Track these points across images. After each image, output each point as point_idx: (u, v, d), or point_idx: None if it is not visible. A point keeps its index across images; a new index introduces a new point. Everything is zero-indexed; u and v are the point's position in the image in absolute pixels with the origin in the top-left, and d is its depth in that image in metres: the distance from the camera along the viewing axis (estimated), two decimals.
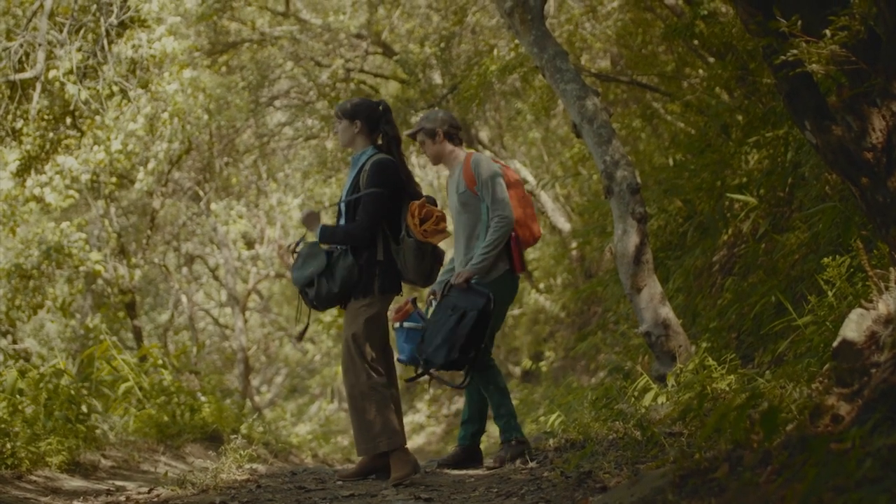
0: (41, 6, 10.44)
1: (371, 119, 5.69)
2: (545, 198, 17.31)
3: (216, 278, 23.99)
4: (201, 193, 17.82)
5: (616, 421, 5.95)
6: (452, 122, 6.05)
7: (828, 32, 3.81)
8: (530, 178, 17.77)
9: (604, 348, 12.08)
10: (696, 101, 11.31)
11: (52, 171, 11.38)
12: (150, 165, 12.72)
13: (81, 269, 13.02)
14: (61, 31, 10.69)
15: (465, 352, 5.49)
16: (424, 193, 5.57)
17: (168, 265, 20.34)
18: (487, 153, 6.22)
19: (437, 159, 6.09)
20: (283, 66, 16.31)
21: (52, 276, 13.48)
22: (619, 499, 3.54)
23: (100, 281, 15.88)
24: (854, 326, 3.80)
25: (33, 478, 6.17)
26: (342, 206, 5.62)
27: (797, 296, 6.88)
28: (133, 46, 11.13)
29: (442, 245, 5.92)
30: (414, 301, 6.25)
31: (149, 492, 5.50)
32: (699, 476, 3.16)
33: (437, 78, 14.59)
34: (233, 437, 6.72)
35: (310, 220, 5.61)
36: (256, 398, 23.87)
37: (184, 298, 22.27)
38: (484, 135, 17.63)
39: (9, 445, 6.26)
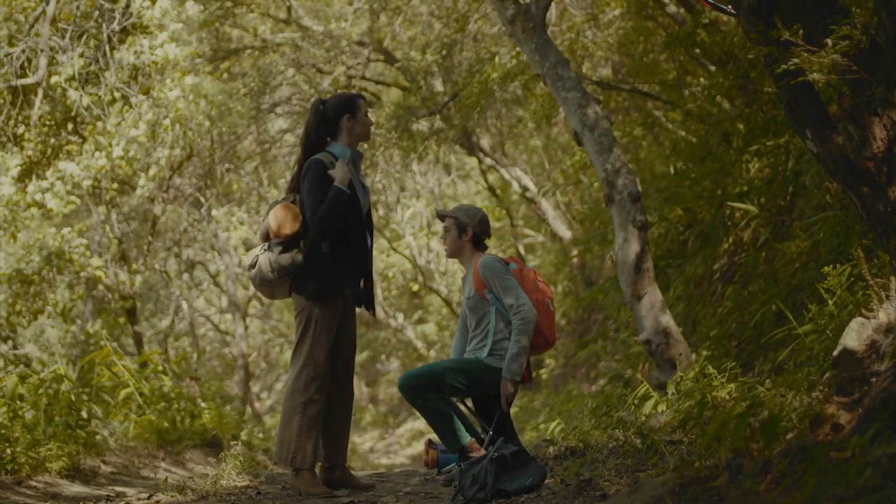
0: (43, 12, 10.46)
1: None
2: (546, 205, 17.31)
3: (217, 284, 24.01)
4: (202, 200, 17.83)
5: (616, 429, 5.94)
6: (486, 227, 5.90)
7: (829, 41, 3.81)
8: (531, 186, 17.78)
9: (604, 356, 12.08)
10: (698, 110, 11.33)
11: (53, 176, 11.38)
12: (152, 171, 12.72)
13: (82, 274, 13.03)
14: (63, 37, 10.71)
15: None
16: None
17: (169, 271, 20.35)
18: (493, 253, 6.03)
19: (453, 253, 5.94)
20: (284, 73, 16.32)
21: (53, 282, 13.47)
22: None
23: (100, 287, 15.88)
24: (854, 335, 3.80)
25: (33, 483, 6.16)
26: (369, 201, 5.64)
27: (798, 304, 6.88)
28: (135, 53, 11.14)
29: None
30: (430, 441, 6.27)
31: (149, 498, 5.49)
32: (699, 484, 3.16)
33: (438, 85, 14.61)
34: (233, 443, 6.73)
35: None
36: (256, 404, 23.87)
37: (184, 304, 22.27)
38: (485, 142, 17.64)
39: (9, 451, 6.26)
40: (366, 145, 14.68)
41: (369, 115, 5.59)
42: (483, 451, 5.50)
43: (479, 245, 5.86)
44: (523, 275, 5.77)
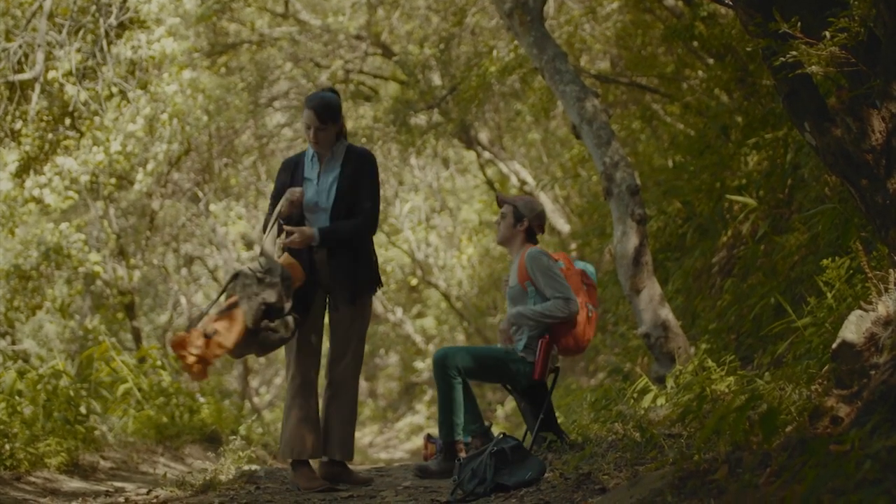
0: (40, 7, 10.44)
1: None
2: (544, 199, 17.30)
3: (215, 279, 23.98)
4: (200, 194, 17.81)
5: (615, 422, 5.94)
6: (542, 222, 5.94)
7: (827, 34, 3.81)
8: (530, 180, 17.76)
9: (603, 350, 12.08)
10: (696, 103, 11.32)
11: (51, 172, 11.37)
12: (150, 166, 12.71)
13: (80, 270, 13.01)
14: (60, 32, 10.68)
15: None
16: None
17: (167, 266, 20.33)
18: (539, 247, 6.13)
19: (504, 240, 5.95)
20: (282, 68, 16.29)
21: (51, 277, 13.47)
22: (619, 500, 3.54)
23: (99, 282, 15.86)
24: (853, 328, 3.80)
25: (32, 479, 6.16)
26: (333, 201, 5.43)
27: (796, 297, 6.88)
28: (132, 47, 11.12)
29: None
30: (429, 436, 6.31)
31: (147, 493, 5.49)
32: (698, 478, 3.16)
33: (436, 79, 14.59)
34: (231, 438, 6.71)
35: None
36: (255, 399, 23.88)
37: (183, 300, 22.25)
38: (483, 136, 17.61)
39: (8, 446, 6.26)
40: (364, 139, 14.67)
41: (312, 129, 5.32)
42: (464, 454, 5.54)
43: (531, 238, 5.92)
44: (569, 275, 5.78)
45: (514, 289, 5.82)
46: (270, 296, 5.07)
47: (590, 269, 6.03)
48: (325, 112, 5.35)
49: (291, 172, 5.51)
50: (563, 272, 5.76)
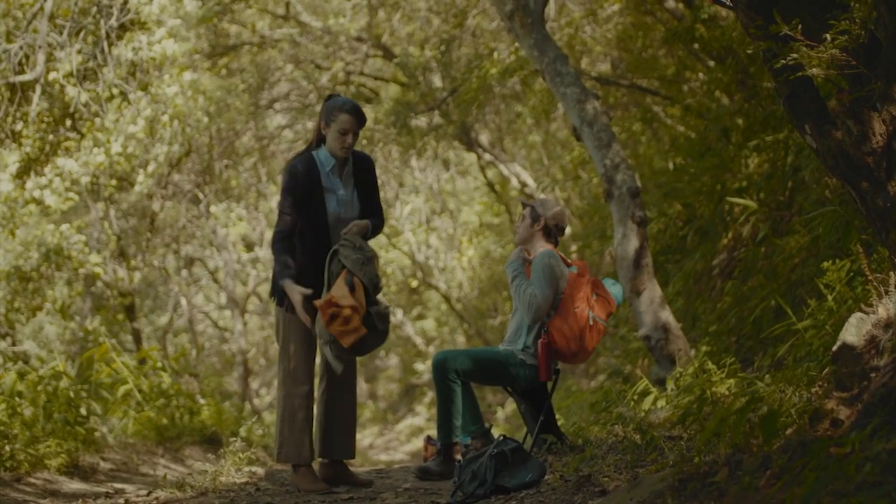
0: (41, 8, 10.44)
1: None
2: None
3: (216, 281, 24.00)
4: (201, 196, 17.81)
5: (615, 424, 5.94)
6: (559, 221, 5.91)
7: (828, 36, 3.80)
8: (530, 182, 17.76)
9: (603, 352, 12.07)
10: (697, 105, 11.32)
11: (51, 173, 11.37)
12: (150, 168, 12.71)
13: (81, 271, 13.01)
14: (61, 34, 10.69)
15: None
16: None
17: (168, 268, 20.34)
18: (548, 248, 6.09)
19: (522, 240, 5.92)
20: (283, 69, 16.30)
21: (52, 279, 13.47)
22: (619, 503, 3.54)
23: (99, 283, 15.87)
24: (854, 330, 3.80)
25: (32, 480, 6.17)
26: (360, 212, 5.51)
27: (797, 300, 6.88)
28: (133, 49, 11.12)
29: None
30: (429, 438, 6.32)
31: (148, 494, 5.49)
32: (698, 480, 3.16)
33: (437, 81, 14.59)
34: (232, 439, 6.71)
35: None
36: (255, 401, 23.87)
37: (183, 301, 22.26)
38: (484, 138, 17.61)
39: (8, 448, 6.26)
40: (364, 141, 14.67)
41: (350, 134, 5.30)
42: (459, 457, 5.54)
43: (549, 237, 5.89)
44: (576, 282, 5.72)
45: None
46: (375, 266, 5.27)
47: (615, 290, 5.98)
48: (363, 117, 5.41)
49: (310, 179, 5.43)
50: (570, 277, 5.73)
